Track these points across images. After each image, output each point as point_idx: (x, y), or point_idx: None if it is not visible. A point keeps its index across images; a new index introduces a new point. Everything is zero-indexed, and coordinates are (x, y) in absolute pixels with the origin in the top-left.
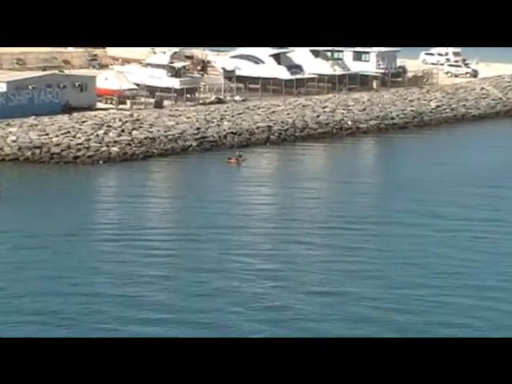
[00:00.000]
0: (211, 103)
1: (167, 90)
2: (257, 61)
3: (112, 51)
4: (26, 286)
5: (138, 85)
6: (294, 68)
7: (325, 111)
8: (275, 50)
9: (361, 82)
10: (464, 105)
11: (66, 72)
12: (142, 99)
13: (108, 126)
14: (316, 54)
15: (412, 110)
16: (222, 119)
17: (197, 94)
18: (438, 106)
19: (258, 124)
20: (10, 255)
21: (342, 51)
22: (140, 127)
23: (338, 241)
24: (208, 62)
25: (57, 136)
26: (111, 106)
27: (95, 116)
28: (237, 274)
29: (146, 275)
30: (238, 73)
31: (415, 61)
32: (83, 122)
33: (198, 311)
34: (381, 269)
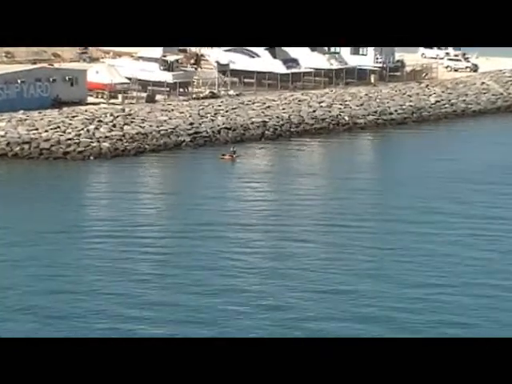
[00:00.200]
0: (205, 98)
1: (160, 84)
2: (252, 54)
3: None
4: (15, 284)
5: (129, 79)
6: (290, 62)
7: (321, 106)
8: None
9: (358, 76)
10: (464, 100)
11: (56, 65)
12: (134, 93)
13: (99, 121)
14: (312, 47)
15: (411, 105)
16: (215, 114)
17: (190, 89)
18: (437, 101)
19: (253, 119)
20: None
21: None
22: (132, 122)
23: (335, 238)
24: (202, 55)
25: (46, 131)
26: (102, 100)
27: (86, 111)
28: (232, 271)
29: (138, 273)
30: (232, 67)
31: (414, 55)
32: (73, 116)
33: (194, 309)
34: (379, 266)
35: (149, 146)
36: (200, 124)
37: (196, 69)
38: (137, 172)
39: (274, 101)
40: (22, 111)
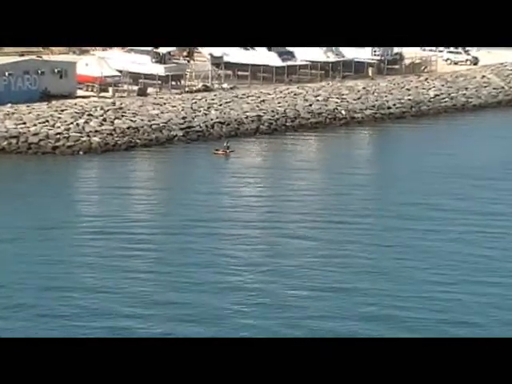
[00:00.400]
0: (198, 91)
1: (151, 76)
2: (246, 47)
3: None
4: (4, 282)
5: (120, 71)
6: (286, 54)
7: (317, 100)
8: None
9: (355, 69)
10: (464, 94)
11: (45, 58)
12: (125, 87)
13: (89, 115)
14: None
15: (409, 99)
16: (209, 108)
17: (183, 82)
18: (436, 95)
19: (248, 113)
20: None
21: None
22: (122, 116)
23: (332, 235)
24: (195, 47)
25: (35, 125)
26: (92, 93)
27: (75, 104)
28: (226, 268)
29: (130, 270)
30: (226, 59)
31: (413, 47)
32: (63, 110)
33: (187, 307)
34: (377, 264)
35: (140, 141)
36: (193, 118)
37: (189, 61)
38: (128, 167)
39: (268, 94)
40: (9, 104)
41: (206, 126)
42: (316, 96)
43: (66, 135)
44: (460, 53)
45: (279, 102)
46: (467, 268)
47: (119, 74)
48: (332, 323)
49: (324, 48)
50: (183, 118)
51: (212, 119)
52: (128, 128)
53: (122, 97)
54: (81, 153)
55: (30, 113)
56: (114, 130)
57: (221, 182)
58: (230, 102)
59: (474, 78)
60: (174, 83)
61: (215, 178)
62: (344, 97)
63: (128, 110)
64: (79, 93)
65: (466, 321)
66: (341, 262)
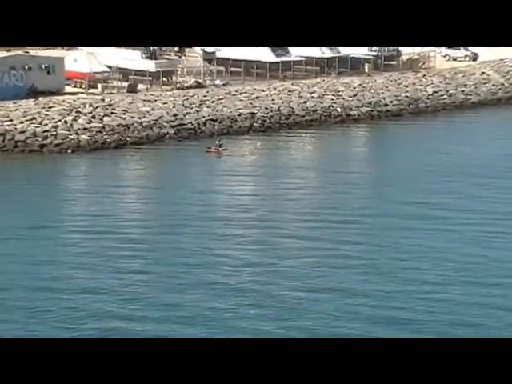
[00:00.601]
0: (189, 88)
1: (142, 73)
2: None
3: None
4: None
5: (110, 67)
6: (280, 50)
7: (312, 97)
8: None
9: (351, 65)
10: (463, 91)
11: (32, 53)
12: (115, 83)
13: (77, 112)
14: None
15: (407, 96)
16: (201, 105)
17: (174, 78)
18: (434, 92)
19: (241, 110)
20: None
21: None
22: (112, 113)
23: (326, 234)
24: None
25: (21, 122)
26: (81, 90)
27: (63, 101)
28: (219, 267)
29: (120, 269)
30: (218, 55)
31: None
32: (50, 107)
33: (180, 306)
34: (373, 263)
35: (130, 139)
36: (184, 115)
37: (180, 57)
38: (117, 166)
39: (262, 91)
40: None
41: (198, 124)
42: (311, 93)
43: (54, 133)
44: (459, 49)
45: (273, 99)
46: (465, 268)
47: (109, 70)
48: (329, 323)
49: None
50: (174, 115)
51: (204, 116)
52: (118, 125)
53: (111, 93)
54: (69, 151)
55: (16, 110)
56: (104, 127)
57: (213, 181)
58: (222, 98)
59: (473, 75)
60: (164, 79)
61: (207, 177)
62: (340, 94)
63: (118, 107)
64: (67, 89)
65: (465, 321)
66: (335, 262)
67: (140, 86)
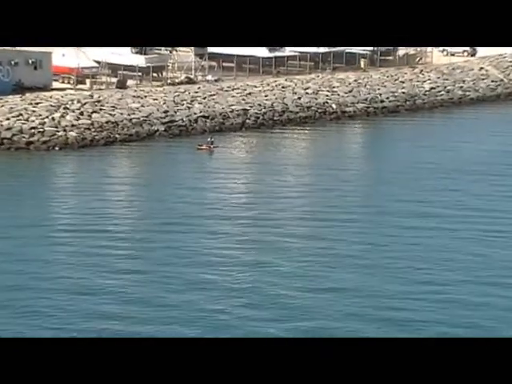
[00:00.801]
0: (180, 83)
1: (131, 68)
2: None
3: None
4: None
5: (98, 62)
6: None
7: (307, 93)
8: None
9: (347, 60)
10: (461, 87)
11: (18, 47)
12: (104, 78)
13: (65, 109)
14: None
15: (403, 92)
16: (192, 101)
17: (164, 73)
18: (432, 88)
19: (233, 107)
20: None
21: None
22: (101, 110)
23: (320, 232)
24: None
25: (7, 119)
26: (69, 85)
27: (51, 97)
28: (210, 265)
29: (110, 268)
30: (210, 50)
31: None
32: (37, 103)
33: (171, 306)
34: (368, 262)
35: (119, 136)
36: (175, 112)
37: (171, 52)
38: (106, 164)
39: (255, 87)
40: None
41: (189, 121)
42: (305, 89)
43: (41, 130)
44: None
45: (266, 95)
46: (464, 266)
47: (97, 65)
48: (325, 323)
49: None
50: (165, 111)
51: (195, 113)
52: (106, 122)
53: (100, 89)
54: (56, 148)
55: (2, 106)
56: (92, 124)
57: (204, 179)
58: (214, 94)
59: (472, 70)
60: (155, 75)
61: (198, 175)
62: (335, 90)
63: (106, 103)
64: (55, 85)
65: (463, 320)
66: (330, 260)
67: (129, 82)
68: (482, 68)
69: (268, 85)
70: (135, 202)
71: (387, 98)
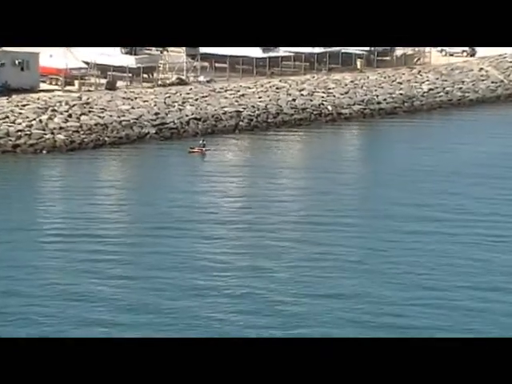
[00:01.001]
0: (172, 85)
1: (121, 69)
2: None
3: None
4: None
5: (87, 63)
6: None
7: (302, 94)
8: None
9: (343, 61)
10: (460, 88)
11: (5, 48)
12: (92, 80)
13: (53, 111)
14: None
15: (401, 94)
16: (184, 103)
17: (155, 74)
18: (430, 89)
19: (226, 109)
20: None
21: None
22: (90, 112)
23: (317, 235)
24: None
25: None
26: (56, 87)
27: (38, 99)
28: (200, 270)
29: (99, 272)
30: (202, 50)
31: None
32: (24, 105)
33: (162, 311)
34: (366, 266)
35: (109, 139)
36: (166, 114)
37: (162, 52)
38: (95, 167)
39: (248, 88)
40: None
41: (181, 123)
42: (300, 90)
43: (28, 132)
44: None
45: (260, 97)
46: (462, 271)
47: (86, 66)
48: (321, 329)
49: None
50: (156, 113)
51: (187, 115)
52: (96, 125)
53: (89, 91)
54: (44, 151)
55: None
56: (81, 126)
57: (196, 182)
58: (206, 96)
59: (471, 71)
60: (145, 76)
61: (190, 179)
62: (330, 91)
63: (96, 105)
64: (42, 86)
65: (461, 324)
66: (326, 265)
67: (119, 83)
68: (481, 69)
69: (262, 86)
70: (125, 207)
71: (384, 99)
